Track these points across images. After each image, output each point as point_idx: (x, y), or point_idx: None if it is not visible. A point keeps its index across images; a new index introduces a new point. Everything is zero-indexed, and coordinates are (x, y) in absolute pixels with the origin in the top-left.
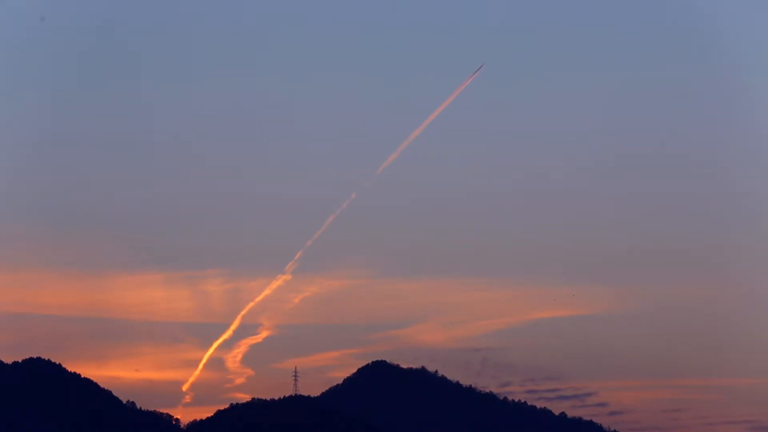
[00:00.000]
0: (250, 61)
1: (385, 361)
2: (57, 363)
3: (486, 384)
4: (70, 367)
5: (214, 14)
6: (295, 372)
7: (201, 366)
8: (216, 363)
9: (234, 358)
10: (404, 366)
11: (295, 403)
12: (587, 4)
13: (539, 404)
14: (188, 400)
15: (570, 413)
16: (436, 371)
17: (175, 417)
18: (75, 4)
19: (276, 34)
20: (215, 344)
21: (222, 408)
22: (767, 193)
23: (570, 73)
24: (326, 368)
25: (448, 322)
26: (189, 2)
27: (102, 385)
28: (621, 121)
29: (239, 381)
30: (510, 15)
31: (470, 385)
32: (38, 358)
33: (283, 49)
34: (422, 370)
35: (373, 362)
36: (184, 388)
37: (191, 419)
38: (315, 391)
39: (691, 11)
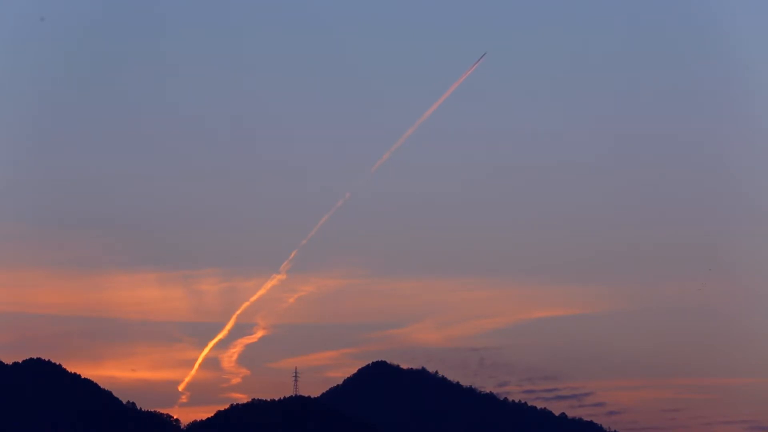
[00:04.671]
0: (245, 61)
1: (385, 362)
2: (57, 363)
3: (483, 384)
4: (68, 367)
5: (212, 14)
6: (296, 372)
7: (197, 366)
8: (212, 363)
9: (230, 357)
10: (404, 366)
11: (296, 403)
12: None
13: (537, 404)
14: (184, 400)
15: (568, 413)
16: (436, 371)
17: (174, 417)
18: (75, 4)
19: (269, 32)
20: (211, 344)
21: (222, 408)
22: None
23: (570, 71)
24: (322, 368)
25: (445, 321)
26: (187, 3)
27: (101, 386)
28: (619, 120)
29: (235, 381)
30: (507, 15)
31: (470, 386)
32: (38, 359)
33: (277, 48)
34: (422, 371)
35: (373, 363)
36: (180, 387)
37: (190, 419)
38: (314, 391)
39: (695, 7)
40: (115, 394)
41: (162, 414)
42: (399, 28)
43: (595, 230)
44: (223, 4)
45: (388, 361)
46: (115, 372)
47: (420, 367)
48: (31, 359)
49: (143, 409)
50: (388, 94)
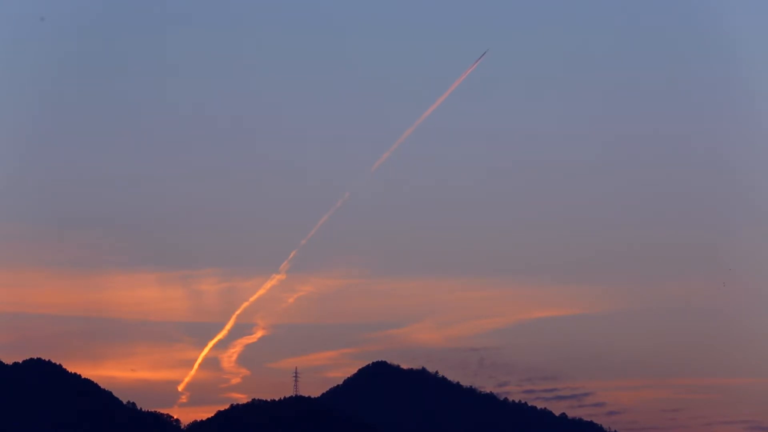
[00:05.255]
0: (243, 61)
1: (385, 362)
2: (57, 363)
3: (483, 384)
4: (68, 367)
5: (210, 14)
6: (296, 373)
7: (196, 366)
8: (212, 363)
9: (229, 357)
10: (404, 366)
11: (296, 403)
12: None
13: (537, 404)
14: (184, 400)
15: (568, 413)
16: (437, 371)
17: (174, 417)
18: (75, 4)
19: (268, 31)
20: (210, 344)
21: (222, 408)
22: None
23: (570, 71)
24: (321, 368)
25: (445, 321)
26: (187, 3)
27: (101, 386)
28: (619, 120)
29: (235, 381)
30: (507, 14)
31: (470, 386)
32: (38, 359)
33: (275, 47)
34: (422, 371)
35: (373, 363)
36: (180, 387)
37: (190, 419)
38: (314, 391)
39: (695, 7)
40: (115, 394)
41: (162, 414)
42: (399, 28)
43: (595, 230)
44: (223, 4)
45: (388, 361)
46: (115, 372)
47: (420, 367)
48: (31, 359)
49: (143, 409)
50: (388, 94)
